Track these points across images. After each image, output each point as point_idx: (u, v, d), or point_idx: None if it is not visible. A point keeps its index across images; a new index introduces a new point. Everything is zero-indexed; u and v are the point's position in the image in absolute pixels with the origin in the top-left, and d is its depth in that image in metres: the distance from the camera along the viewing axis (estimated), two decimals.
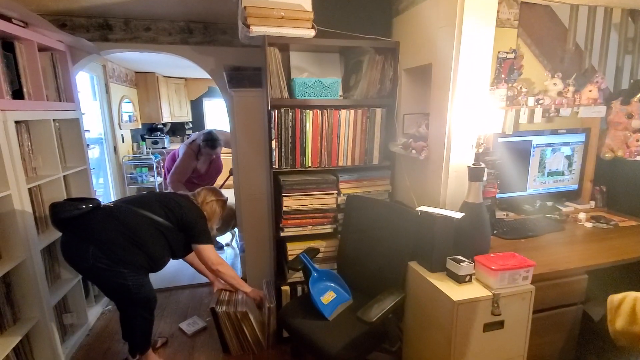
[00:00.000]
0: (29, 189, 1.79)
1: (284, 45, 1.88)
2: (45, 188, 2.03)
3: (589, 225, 1.94)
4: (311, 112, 1.87)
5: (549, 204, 2.10)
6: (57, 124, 2.15)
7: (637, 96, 2.06)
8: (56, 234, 1.98)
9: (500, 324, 1.38)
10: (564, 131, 2.07)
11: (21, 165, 1.74)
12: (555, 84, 1.95)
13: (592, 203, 2.21)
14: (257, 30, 1.69)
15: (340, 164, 1.98)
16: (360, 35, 1.85)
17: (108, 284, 1.71)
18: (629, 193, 2.08)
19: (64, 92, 2.24)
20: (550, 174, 2.09)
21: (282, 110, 1.84)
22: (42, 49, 2.02)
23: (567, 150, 2.09)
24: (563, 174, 2.12)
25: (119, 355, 2.09)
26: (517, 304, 1.38)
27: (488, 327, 1.36)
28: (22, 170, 1.74)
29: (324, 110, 1.89)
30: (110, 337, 2.25)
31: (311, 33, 1.76)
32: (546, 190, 2.11)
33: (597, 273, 1.55)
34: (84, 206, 1.68)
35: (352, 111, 1.92)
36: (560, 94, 1.96)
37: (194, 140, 3.09)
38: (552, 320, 1.56)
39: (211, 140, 2.96)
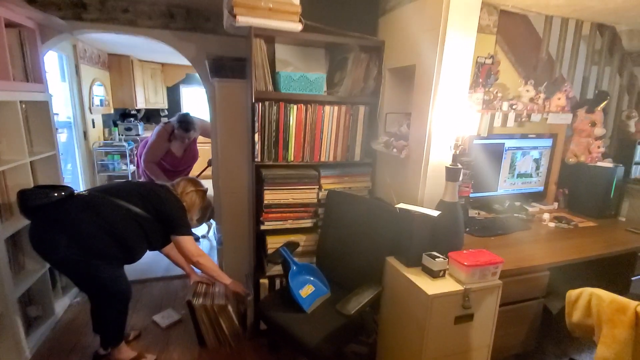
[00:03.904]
0: None
1: (270, 38, 1.86)
2: (9, 174, 1.91)
3: (552, 225, 2.07)
4: (295, 106, 1.87)
5: (517, 204, 2.23)
6: (23, 106, 2.02)
7: (601, 105, 2.21)
8: (22, 222, 1.88)
9: (470, 317, 1.46)
10: (534, 136, 2.19)
11: None
12: (527, 91, 2.05)
13: (556, 204, 2.37)
14: (243, 20, 1.67)
15: (323, 159, 2.00)
16: (347, 32, 1.86)
17: (81, 276, 1.65)
18: (589, 196, 2.24)
19: (32, 73, 2.11)
20: (520, 175, 2.21)
21: (267, 103, 1.82)
22: (9, 24, 1.89)
23: (535, 154, 2.22)
24: (531, 176, 2.25)
25: (87, 348, 2.02)
26: (486, 298, 1.47)
27: (459, 319, 1.44)
28: None
29: (308, 105, 1.89)
30: (79, 330, 2.18)
31: (298, 27, 1.76)
32: (515, 191, 2.23)
33: (557, 270, 1.67)
34: (56, 194, 1.60)
35: (336, 107, 1.93)
36: (532, 100, 2.07)
37: (169, 122, 3.01)
38: (516, 313, 1.67)
39: (185, 122, 2.87)
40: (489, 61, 1.93)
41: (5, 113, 1.85)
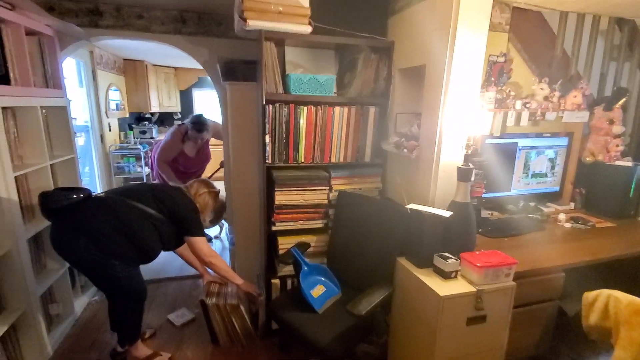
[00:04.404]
0: (15, 178, 1.76)
1: (280, 40, 1.88)
2: (31, 177, 1.98)
3: (568, 225, 2.03)
4: (305, 108, 1.89)
5: (532, 204, 2.19)
6: (44, 111, 2.09)
7: (619, 103, 2.15)
8: (43, 224, 1.95)
9: (482, 318, 1.44)
10: (549, 135, 2.14)
11: (7, 153, 1.70)
12: (542, 89, 2.02)
13: (572, 204, 2.31)
14: (253, 24, 1.69)
15: (333, 160, 2.00)
16: (356, 33, 1.87)
17: (98, 275, 1.70)
18: (607, 196, 2.18)
19: (51, 79, 2.18)
20: (534, 175, 2.17)
21: (277, 105, 1.84)
22: (29, 33, 1.96)
23: (550, 153, 2.17)
24: (546, 175, 2.21)
25: (106, 345, 2.08)
26: (499, 299, 1.45)
27: (471, 321, 1.43)
28: (8, 158, 1.70)
29: (318, 107, 1.90)
30: (97, 328, 2.24)
31: (308, 29, 1.77)
32: (529, 191, 2.19)
33: (573, 271, 1.63)
34: (75, 196, 1.65)
35: (346, 108, 1.94)
36: (546, 98, 2.03)
37: (183, 123, 3.07)
38: (530, 314, 1.64)
39: (198, 123, 2.93)
40: (501, 59, 1.90)
41: (26, 118, 1.92)
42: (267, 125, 1.85)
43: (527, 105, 1.98)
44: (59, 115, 2.22)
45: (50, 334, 2.04)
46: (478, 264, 1.40)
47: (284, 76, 1.92)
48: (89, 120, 3.74)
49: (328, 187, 2.01)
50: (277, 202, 1.94)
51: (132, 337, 1.89)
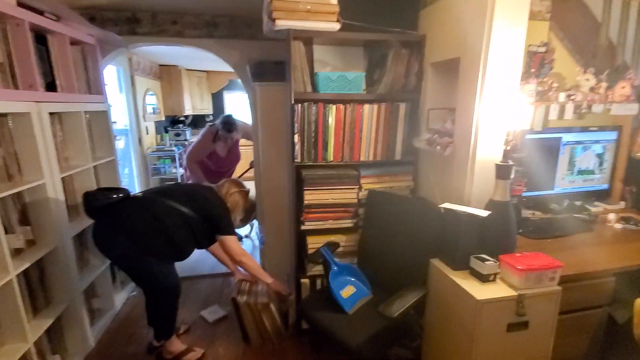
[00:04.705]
0: (62, 179, 1.86)
1: (308, 39, 1.87)
2: (76, 177, 2.10)
3: (618, 226, 1.88)
4: (334, 106, 1.87)
5: (578, 203, 2.04)
6: (87, 115, 2.22)
7: None
8: (86, 222, 2.06)
9: (524, 325, 1.36)
10: (596, 128, 1.99)
11: (55, 155, 1.81)
12: (587, 80, 1.88)
13: (622, 203, 2.13)
14: (282, 24, 1.70)
15: (362, 158, 1.97)
16: (386, 29, 1.83)
17: (136, 271, 1.77)
18: None
19: (94, 85, 2.30)
20: (580, 172, 2.03)
21: (305, 104, 1.84)
22: (73, 42, 2.08)
23: (598, 149, 2.02)
24: (593, 172, 2.05)
25: (143, 339, 2.17)
26: (542, 305, 1.36)
27: (512, 327, 1.35)
28: (55, 160, 1.82)
29: (347, 105, 1.88)
30: (136, 322, 2.34)
31: (336, 26, 1.75)
32: (575, 189, 2.05)
33: (624, 276, 1.51)
34: (115, 196, 1.74)
35: (375, 106, 1.90)
36: (592, 89, 1.88)
37: (214, 124, 3.16)
38: (577, 322, 1.53)
39: (228, 123, 3.00)
40: (542, 49, 1.79)
41: (72, 122, 2.04)
42: (295, 125, 1.85)
43: (572, 98, 1.85)
44: (101, 120, 2.34)
45: (92, 327, 2.16)
46: (519, 267, 1.32)
47: (313, 75, 1.91)
48: (128, 124, 3.93)
49: (358, 186, 1.98)
50: (306, 201, 1.93)
51: (167, 332, 1.95)
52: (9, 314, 1.52)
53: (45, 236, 1.78)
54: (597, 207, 2.07)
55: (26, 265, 1.58)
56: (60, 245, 1.81)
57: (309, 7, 1.68)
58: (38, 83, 1.72)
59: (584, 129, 1.97)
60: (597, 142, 2.01)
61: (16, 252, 1.62)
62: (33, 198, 1.72)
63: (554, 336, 1.41)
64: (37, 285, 1.74)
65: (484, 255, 1.43)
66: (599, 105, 1.91)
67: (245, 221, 2.17)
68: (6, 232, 1.51)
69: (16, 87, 1.63)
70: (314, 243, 1.97)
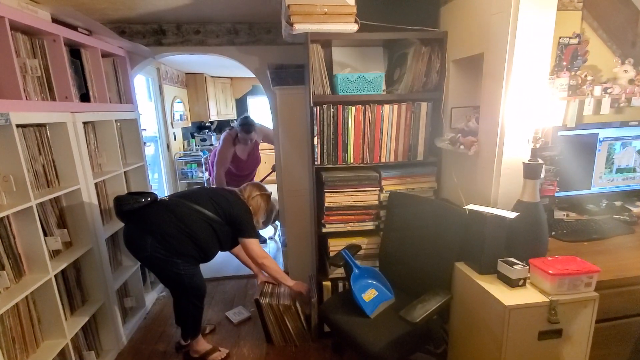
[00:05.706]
0: (95, 184, 1.97)
1: (327, 42, 1.87)
2: (108, 182, 2.22)
3: None
4: (353, 108, 1.85)
5: (618, 203, 1.90)
6: (118, 124, 2.33)
7: None
8: (118, 225, 2.16)
9: (557, 333, 1.28)
10: (636, 123, 1.85)
11: (89, 162, 1.92)
12: (626, 71, 1.75)
13: None
14: (300, 27, 1.70)
15: (383, 160, 1.94)
16: (405, 27, 1.79)
17: (164, 272, 1.84)
18: None
19: (124, 95, 2.42)
20: (620, 170, 1.89)
21: (324, 106, 1.84)
22: (105, 55, 2.21)
23: (639, 145, 1.88)
24: (634, 170, 1.91)
25: (172, 338, 2.24)
26: (577, 312, 1.27)
27: (543, 335, 1.27)
28: (89, 167, 1.92)
29: (367, 106, 1.86)
30: (165, 321, 2.43)
31: (354, 27, 1.74)
32: (614, 188, 1.91)
33: None
34: (143, 200, 1.81)
35: (395, 106, 1.87)
36: (631, 81, 1.76)
37: (232, 127, 3.22)
38: (617, 330, 1.41)
39: (245, 124, 3.05)
40: (574, 41, 1.69)
41: (104, 130, 2.16)
42: (315, 127, 1.85)
43: (609, 91, 1.74)
44: (131, 127, 2.46)
45: (125, 325, 2.26)
46: (551, 272, 1.25)
47: (331, 77, 1.90)
48: (157, 131, 4.10)
49: (378, 188, 1.95)
50: (327, 204, 1.93)
51: (193, 331, 2.00)
52: (49, 311, 1.62)
53: (81, 238, 1.88)
54: (638, 208, 1.92)
55: (64, 265, 1.68)
56: (95, 246, 1.91)
57: (326, 9, 1.68)
58: (73, 94, 1.83)
59: (623, 124, 1.84)
60: (638, 137, 1.87)
61: (55, 254, 1.72)
62: (69, 202, 1.83)
63: (590, 345, 1.32)
64: (74, 284, 1.85)
65: (512, 259, 1.36)
66: (639, 98, 1.78)
67: (266, 224, 2.19)
68: (45, 234, 1.62)
69: (53, 98, 1.75)
70: (335, 245, 1.96)
